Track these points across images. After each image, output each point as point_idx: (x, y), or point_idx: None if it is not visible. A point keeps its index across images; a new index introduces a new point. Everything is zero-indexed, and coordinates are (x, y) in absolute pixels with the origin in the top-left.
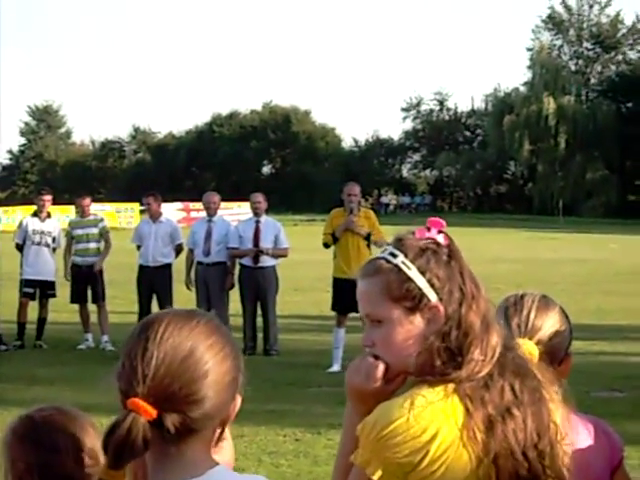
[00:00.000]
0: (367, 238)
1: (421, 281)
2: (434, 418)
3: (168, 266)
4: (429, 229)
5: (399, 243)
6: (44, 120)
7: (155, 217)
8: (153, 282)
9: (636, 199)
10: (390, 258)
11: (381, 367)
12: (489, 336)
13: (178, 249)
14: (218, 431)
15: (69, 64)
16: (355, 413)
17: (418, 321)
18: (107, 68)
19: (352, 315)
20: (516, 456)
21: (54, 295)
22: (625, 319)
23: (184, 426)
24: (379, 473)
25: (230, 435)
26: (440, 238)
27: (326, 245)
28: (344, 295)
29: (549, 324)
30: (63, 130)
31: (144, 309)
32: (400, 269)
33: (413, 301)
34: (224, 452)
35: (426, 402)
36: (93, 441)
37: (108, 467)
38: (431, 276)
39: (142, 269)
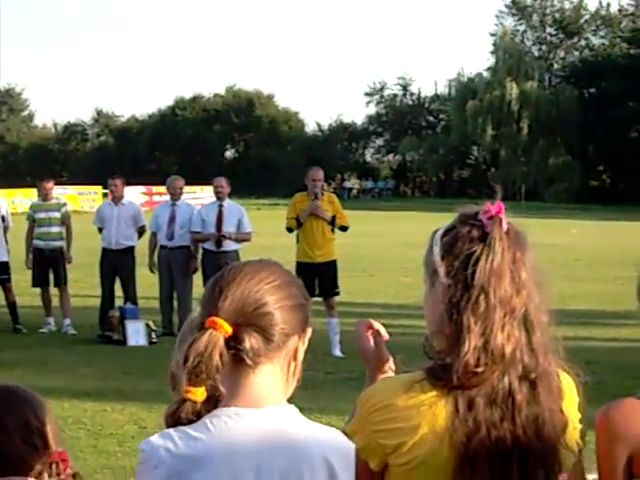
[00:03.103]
0: (332, 222)
1: (437, 257)
2: (420, 413)
3: (131, 249)
4: (486, 212)
5: (457, 215)
6: (6, 103)
7: (118, 199)
8: (116, 265)
9: (598, 185)
10: (440, 227)
11: (363, 325)
12: (490, 339)
13: (141, 231)
14: (292, 366)
15: (32, 47)
16: (367, 379)
17: (434, 295)
18: (70, 51)
19: (315, 299)
20: (494, 464)
21: (8, 280)
22: (586, 304)
23: (258, 345)
24: (361, 445)
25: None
26: (487, 224)
27: (290, 229)
28: (307, 279)
29: None
30: (25, 113)
31: (107, 292)
32: (433, 238)
33: (431, 273)
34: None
35: (419, 395)
36: (43, 422)
37: (187, 384)
38: (448, 257)
39: (105, 252)
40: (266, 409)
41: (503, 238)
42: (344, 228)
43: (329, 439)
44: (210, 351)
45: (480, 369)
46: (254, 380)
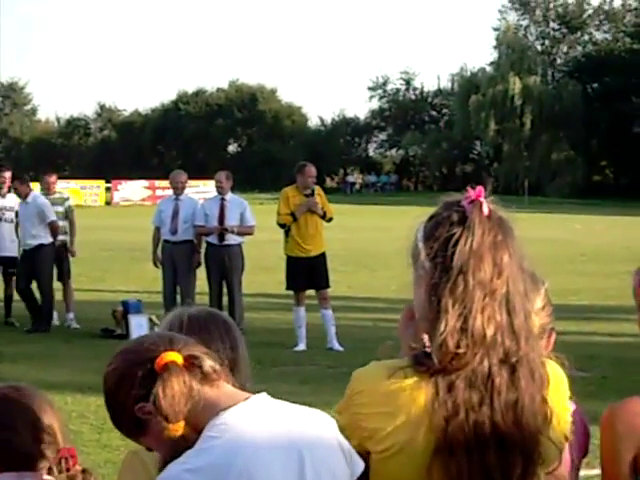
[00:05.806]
0: (323, 216)
1: (420, 243)
2: (400, 399)
3: (40, 247)
4: (467, 197)
5: (441, 203)
6: (9, 97)
7: (24, 197)
8: (31, 266)
9: (601, 180)
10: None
11: (405, 310)
12: (469, 320)
13: (52, 227)
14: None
15: (35, 41)
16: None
17: (417, 281)
18: (73, 45)
19: (309, 293)
20: (472, 450)
21: (15, 273)
22: (589, 299)
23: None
24: (343, 423)
25: None
26: (468, 207)
27: (283, 225)
28: (299, 273)
29: (537, 299)
30: (28, 107)
31: (21, 289)
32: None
33: (414, 260)
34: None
35: (401, 381)
36: (51, 419)
37: (174, 423)
38: (429, 241)
39: (22, 252)
40: (250, 400)
41: (483, 221)
42: (329, 219)
43: (326, 419)
44: (181, 387)
45: (461, 350)
46: (221, 388)
